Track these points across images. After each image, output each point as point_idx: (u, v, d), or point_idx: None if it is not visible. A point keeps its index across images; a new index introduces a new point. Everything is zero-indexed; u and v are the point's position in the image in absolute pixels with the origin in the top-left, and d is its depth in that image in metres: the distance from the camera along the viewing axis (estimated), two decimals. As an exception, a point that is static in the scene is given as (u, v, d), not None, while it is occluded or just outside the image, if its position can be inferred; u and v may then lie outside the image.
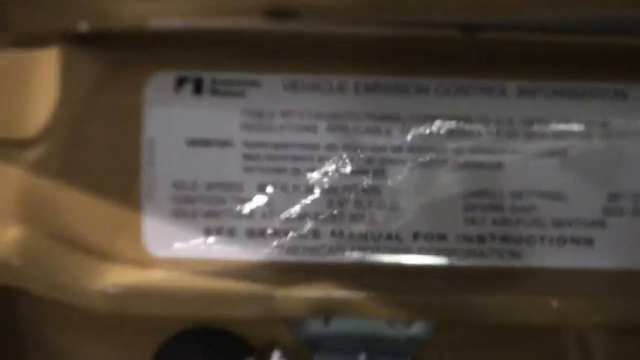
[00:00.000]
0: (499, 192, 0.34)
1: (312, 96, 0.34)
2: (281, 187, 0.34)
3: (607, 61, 0.33)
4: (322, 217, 0.34)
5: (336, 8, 0.31)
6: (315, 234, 0.34)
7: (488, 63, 0.34)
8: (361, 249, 0.34)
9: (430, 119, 0.34)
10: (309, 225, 0.34)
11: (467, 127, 0.34)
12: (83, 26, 0.32)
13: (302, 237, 0.34)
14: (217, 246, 0.34)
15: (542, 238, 0.34)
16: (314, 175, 0.34)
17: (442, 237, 0.34)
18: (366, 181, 0.34)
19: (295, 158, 0.34)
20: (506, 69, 0.34)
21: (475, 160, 0.34)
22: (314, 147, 0.34)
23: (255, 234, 0.34)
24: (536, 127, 0.34)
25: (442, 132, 0.34)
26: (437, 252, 0.34)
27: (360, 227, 0.34)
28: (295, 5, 0.31)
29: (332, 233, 0.34)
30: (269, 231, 0.34)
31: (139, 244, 0.34)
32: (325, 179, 0.34)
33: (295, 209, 0.34)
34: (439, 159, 0.34)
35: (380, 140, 0.34)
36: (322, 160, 0.34)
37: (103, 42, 0.33)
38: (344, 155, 0.34)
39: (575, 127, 0.34)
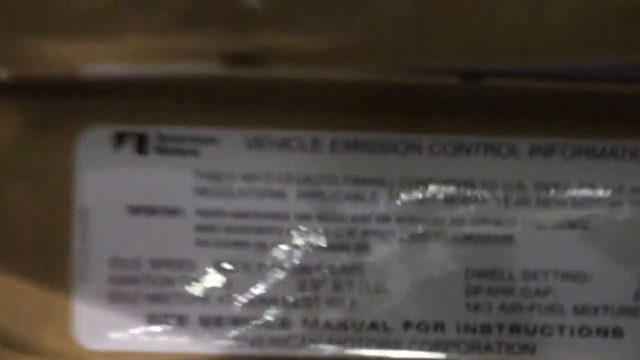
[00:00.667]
0: (507, 271, 0.29)
1: (281, 155, 0.30)
2: (242, 265, 0.29)
3: (637, 114, 0.30)
4: (291, 301, 0.30)
5: (312, 52, 0.27)
6: (283, 322, 0.30)
7: (494, 116, 0.30)
8: (340, 341, 0.30)
9: (423, 183, 0.29)
10: (275, 311, 0.30)
11: (469, 192, 0.29)
12: (2, 73, 0.29)
13: (268, 326, 0.30)
14: (163, 337, 0.30)
15: (561, 328, 0.29)
16: (282, 251, 0.30)
17: (438, 326, 0.30)
18: (346, 258, 0.29)
19: (260, 230, 0.29)
20: (516, 124, 0.29)
21: (478, 233, 0.29)
22: (282, 216, 0.30)
23: (211, 322, 0.29)
24: (552, 193, 0.29)
25: (438, 198, 0.29)
26: (432, 346, 0.30)
27: (338, 314, 0.30)
28: (262, 51, 0.28)
29: (305, 322, 0.29)
30: (227, 319, 0.30)
31: (69, 335, 0.30)
32: (296, 256, 0.30)
33: (260, 292, 0.30)
34: (434, 230, 0.29)
35: (363, 209, 0.29)
36: (291, 232, 0.30)
37: (27, 92, 0.29)
38: (319, 227, 0.30)
39: (600, 192, 0.30)
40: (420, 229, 0.29)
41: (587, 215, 0.29)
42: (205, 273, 0.29)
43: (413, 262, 0.29)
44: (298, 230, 0.29)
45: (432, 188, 0.29)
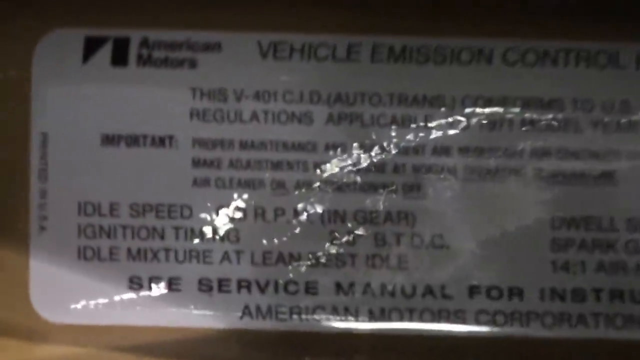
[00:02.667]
0: (607, 219, 0.23)
1: (305, 67, 0.23)
2: (254, 212, 0.24)
3: None
4: (320, 259, 0.24)
5: None
6: (309, 287, 0.23)
7: (587, 16, 0.23)
8: (383, 311, 0.24)
9: (494, 102, 0.22)
10: (298, 273, 0.24)
11: (556, 115, 0.23)
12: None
13: (288, 292, 0.24)
14: (149, 307, 0.24)
15: None
16: (307, 193, 0.24)
17: (515, 293, 0.23)
18: (391, 203, 0.24)
19: (277, 165, 0.23)
20: (619, 27, 0.23)
21: (568, 169, 0.23)
22: (306, 147, 0.23)
23: (211, 288, 0.23)
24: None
25: (514, 122, 0.23)
26: (507, 318, 0.24)
27: (381, 277, 0.24)
28: None
29: (337, 287, 0.23)
30: (234, 282, 0.24)
31: (25, 303, 0.24)
32: (326, 199, 0.24)
33: (277, 247, 0.24)
34: (510, 166, 0.23)
35: (414, 137, 0.23)
36: (319, 168, 0.24)
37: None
38: (355, 161, 0.24)
39: None
40: (490, 163, 0.23)
41: None
42: (205, 222, 0.23)
43: (481, 208, 0.23)
44: (328, 165, 0.23)
45: (505, 109, 0.23)
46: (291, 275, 0.23)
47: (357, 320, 0.23)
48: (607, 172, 0.23)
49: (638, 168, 0.23)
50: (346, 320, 0.23)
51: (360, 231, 0.23)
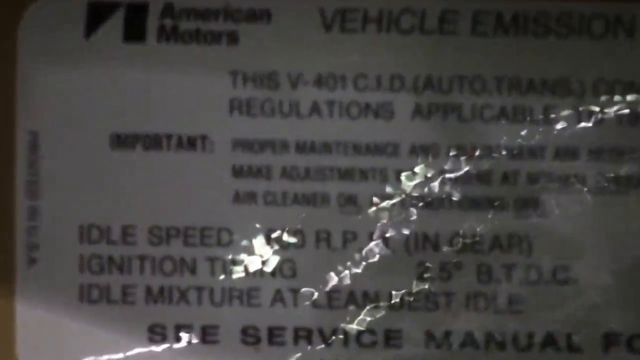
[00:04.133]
0: None
1: (380, 40, 0.19)
2: (315, 237, 0.19)
3: None
4: (404, 299, 0.19)
5: None
6: (389, 335, 0.18)
7: None
8: None
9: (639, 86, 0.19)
10: (374, 317, 0.18)
11: None
12: None
13: (361, 344, 0.19)
14: (177, 365, 0.19)
15: None
16: (386, 210, 0.19)
17: None
18: (500, 222, 0.19)
19: (347, 173, 0.18)
20: None
21: None
22: (385, 147, 0.18)
23: (258, 337, 0.19)
24: None
25: None
26: None
27: (486, 321, 0.19)
28: None
29: (428, 335, 0.17)
30: (289, 330, 0.19)
31: (13, 356, 0.19)
32: (411, 219, 0.19)
33: (345, 283, 0.19)
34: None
35: (528, 134, 0.18)
36: (402, 176, 0.19)
37: None
38: (451, 166, 0.19)
39: None
40: (632, 169, 0.18)
41: None
42: (250, 251, 0.18)
43: (618, 229, 0.18)
44: (414, 173, 0.18)
45: None
46: (366, 321, 0.18)
47: (454, 381, 0.18)
48: None
49: None
50: (440, 381, 0.18)
51: (457, 262, 0.18)
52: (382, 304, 0.18)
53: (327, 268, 0.18)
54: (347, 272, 0.18)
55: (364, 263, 0.18)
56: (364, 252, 0.18)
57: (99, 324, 0.18)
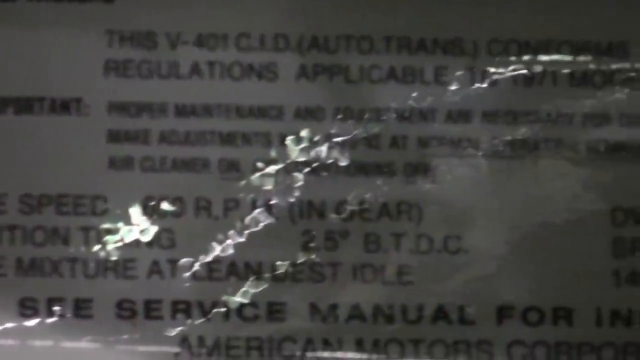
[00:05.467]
0: None
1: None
2: (195, 205, 0.18)
3: None
4: (290, 272, 0.18)
5: None
6: (272, 310, 0.17)
7: None
8: (377, 342, 0.17)
9: (535, 46, 0.17)
10: (256, 290, 0.17)
11: (618, 64, 0.17)
12: None
13: (243, 318, 0.17)
14: (45, 339, 0.17)
15: None
16: (271, 175, 0.18)
17: (563, 316, 0.17)
18: (389, 189, 0.17)
19: (228, 137, 0.17)
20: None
21: (637, 141, 0.18)
22: (269, 111, 0.18)
23: (135, 311, 0.17)
24: None
25: (558, 74, 0.18)
26: (552, 352, 0.17)
27: (374, 294, 0.18)
28: None
29: (313, 309, 0.17)
30: (165, 304, 0.18)
31: None
32: (296, 185, 0.19)
33: (227, 253, 0.18)
34: (553, 136, 0.17)
35: (418, 96, 0.18)
36: (287, 140, 0.18)
37: None
38: (338, 131, 0.18)
39: None
40: (527, 133, 0.18)
41: None
42: (126, 220, 0.17)
43: (513, 197, 0.18)
44: (299, 137, 0.18)
45: (548, 57, 0.18)
46: (248, 293, 0.18)
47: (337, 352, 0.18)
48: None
49: None
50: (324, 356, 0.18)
51: (343, 231, 0.18)
52: (265, 275, 0.17)
53: (207, 238, 0.17)
54: (228, 242, 0.17)
55: (246, 232, 0.17)
56: (246, 220, 0.17)
57: (-36, 297, 0.17)
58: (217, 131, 0.17)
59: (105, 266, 0.17)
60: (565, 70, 0.17)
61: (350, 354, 0.17)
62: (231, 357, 0.17)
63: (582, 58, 0.17)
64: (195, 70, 0.17)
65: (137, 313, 0.17)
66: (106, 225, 0.17)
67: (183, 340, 0.17)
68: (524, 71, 0.17)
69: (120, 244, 0.17)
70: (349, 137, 0.17)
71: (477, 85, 0.17)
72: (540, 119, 0.17)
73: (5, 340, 0.17)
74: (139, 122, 0.17)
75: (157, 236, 0.17)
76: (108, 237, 0.17)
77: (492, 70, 0.17)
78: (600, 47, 0.17)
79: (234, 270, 0.17)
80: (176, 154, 0.17)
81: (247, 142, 0.17)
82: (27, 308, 0.17)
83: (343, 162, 0.17)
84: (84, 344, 0.17)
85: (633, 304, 0.17)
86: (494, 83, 0.17)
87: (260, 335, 0.17)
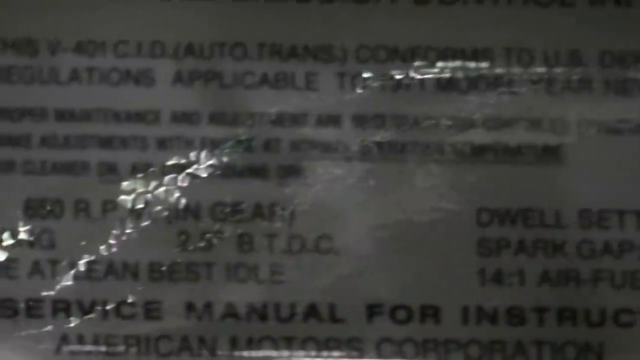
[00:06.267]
0: (552, 212, 0.18)
1: (140, 6, 0.18)
2: (74, 206, 0.18)
3: None
4: (166, 271, 0.19)
5: None
6: (149, 310, 0.17)
7: None
8: (251, 340, 0.18)
9: (403, 52, 0.17)
10: (129, 291, 0.18)
11: (481, 70, 0.18)
12: None
13: (122, 315, 0.18)
14: None
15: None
16: (145, 179, 0.19)
17: (429, 314, 0.18)
18: (260, 190, 0.18)
19: (106, 141, 0.18)
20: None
21: (499, 143, 0.18)
22: (145, 115, 0.18)
23: (19, 310, 0.18)
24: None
25: (426, 80, 0.18)
26: (420, 349, 0.18)
27: (248, 293, 0.18)
28: None
29: (190, 306, 0.18)
30: (50, 302, 0.19)
31: None
32: (173, 185, 0.19)
33: (105, 255, 0.19)
34: (420, 139, 0.17)
35: (292, 102, 0.19)
36: (163, 142, 0.18)
37: None
38: (211, 133, 0.18)
39: None
40: (394, 136, 0.18)
41: None
42: (6, 220, 0.17)
43: (381, 198, 0.18)
44: (175, 141, 0.18)
45: (415, 63, 0.19)
46: (126, 292, 0.18)
47: (214, 353, 0.18)
48: (550, 147, 0.18)
49: (592, 141, 0.18)
50: (200, 353, 0.18)
51: (218, 231, 0.18)
52: (142, 274, 0.18)
53: (86, 239, 0.18)
54: (106, 242, 0.18)
55: (124, 233, 0.18)
56: (124, 222, 0.18)
57: None
58: (95, 135, 0.18)
59: (-15, 266, 0.18)
60: (432, 76, 0.18)
61: (224, 352, 0.18)
62: (110, 355, 0.18)
63: (447, 64, 0.18)
64: (75, 76, 0.18)
65: (18, 312, 0.18)
66: (-13, 227, 0.18)
67: (63, 338, 0.18)
68: (393, 76, 0.18)
69: (1, 245, 0.18)
70: (223, 140, 0.18)
71: (346, 90, 0.18)
72: (408, 123, 0.18)
73: None
74: (20, 126, 0.18)
75: (38, 237, 0.18)
76: (-12, 238, 0.18)
77: (361, 75, 0.18)
78: (466, 54, 0.18)
79: (112, 270, 0.18)
80: (56, 158, 0.18)
81: (124, 145, 0.18)
82: None
83: (218, 165, 0.18)
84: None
85: (498, 302, 0.18)
86: (363, 88, 0.18)
87: (138, 333, 0.18)
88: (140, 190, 0.18)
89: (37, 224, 0.18)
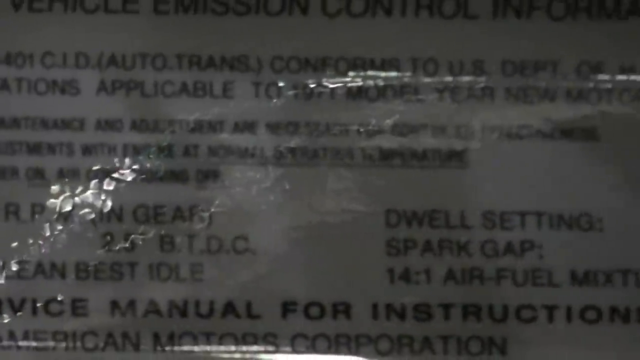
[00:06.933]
0: (457, 213, 0.18)
1: (66, 19, 0.19)
2: (4, 209, 0.18)
3: None
4: (91, 270, 0.19)
5: None
6: (76, 307, 0.19)
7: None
8: (172, 335, 0.19)
9: (314, 62, 0.18)
10: (64, 290, 0.20)
11: (388, 79, 0.19)
12: None
13: (50, 312, 0.19)
14: None
15: (551, 310, 0.19)
16: (71, 182, 0.19)
17: (341, 310, 0.18)
18: (180, 193, 0.19)
19: (34, 147, 0.19)
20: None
21: (406, 149, 0.19)
22: (71, 122, 0.19)
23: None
24: (534, 75, 0.19)
25: (336, 89, 0.19)
26: (332, 343, 0.19)
27: (169, 291, 0.19)
28: None
29: (114, 304, 0.19)
30: None
31: None
32: (98, 188, 0.20)
33: (33, 255, 0.19)
34: (331, 145, 0.18)
35: (209, 108, 0.20)
36: (88, 148, 0.19)
37: None
38: (133, 139, 0.19)
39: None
40: (307, 142, 0.19)
41: (597, 114, 0.20)
42: None
43: (295, 200, 0.19)
44: (99, 147, 0.19)
45: (326, 73, 0.19)
46: (54, 291, 0.19)
47: (138, 348, 0.19)
48: (455, 152, 0.19)
49: (494, 146, 0.19)
50: (124, 348, 0.19)
51: (141, 233, 0.19)
52: (69, 274, 0.19)
53: (16, 240, 0.19)
54: (36, 243, 0.19)
55: (52, 235, 0.19)
56: (52, 224, 0.19)
57: None
58: (24, 142, 0.19)
59: None
60: (342, 85, 0.19)
61: (147, 353, 0.19)
62: (39, 350, 0.19)
63: (357, 74, 0.19)
64: (4, 85, 0.19)
65: (-48, 310, 0.19)
66: None
67: (-5, 334, 0.19)
68: (305, 86, 0.19)
69: (-64, 246, 0.19)
70: (145, 146, 0.19)
71: (261, 98, 0.19)
72: (320, 129, 0.19)
73: None
74: (-47, 135, 0.19)
75: (-31, 238, 0.19)
76: None
77: (276, 85, 0.19)
78: (374, 64, 0.19)
79: (41, 269, 0.19)
80: (-13, 163, 0.19)
81: (52, 151, 0.19)
82: None
83: (140, 169, 0.19)
84: None
85: (406, 299, 0.19)
86: (277, 96, 0.19)
87: (65, 330, 0.19)
88: (67, 194, 0.19)
89: (-31, 227, 0.19)
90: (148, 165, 0.19)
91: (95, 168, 0.19)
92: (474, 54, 0.19)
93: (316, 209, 0.19)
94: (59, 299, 0.19)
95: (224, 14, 0.19)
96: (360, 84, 0.19)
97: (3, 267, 0.19)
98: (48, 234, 0.19)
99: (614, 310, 0.19)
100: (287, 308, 0.19)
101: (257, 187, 0.19)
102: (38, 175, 0.19)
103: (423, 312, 0.19)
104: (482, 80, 0.19)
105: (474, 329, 0.19)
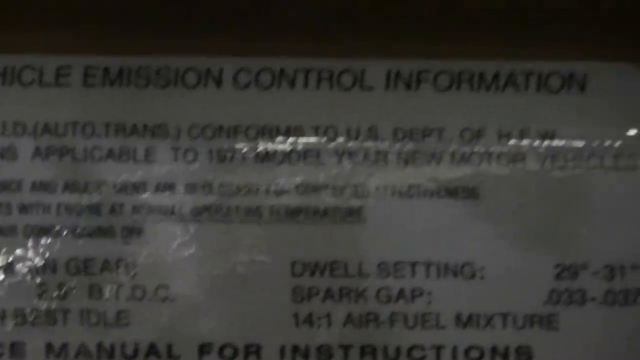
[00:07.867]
0: (355, 264, 0.21)
1: (4, 92, 0.21)
2: None
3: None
4: (28, 317, 0.21)
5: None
6: (15, 348, 0.21)
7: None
8: None
9: (227, 129, 0.21)
10: (4, 335, 0.22)
11: (293, 144, 0.21)
12: None
13: None
14: None
15: (438, 350, 0.21)
16: (9, 238, 0.21)
17: (253, 351, 0.21)
18: (106, 248, 0.21)
19: None
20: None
21: (309, 206, 0.21)
22: (9, 184, 0.21)
23: None
24: (425, 141, 0.21)
25: (246, 153, 0.21)
26: None
27: (97, 335, 0.21)
28: None
29: (49, 347, 0.21)
30: None
31: None
32: (31, 246, 0.21)
33: None
34: (243, 204, 0.21)
35: (133, 167, 0.22)
36: (25, 208, 0.21)
37: None
38: (67, 200, 0.21)
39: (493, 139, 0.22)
40: (221, 201, 0.21)
41: (478, 175, 0.22)
42: None
43: (211, 253, 0.21)
44: (34, 207, 0.21)
45: (237, 139, 0.21)
46: (-6, 335, 0.22)
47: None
48: (353, 209, 0.21)
49: (387, 204, 0.22)
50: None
51: (73, 283, 0.21)
52: (8, 320, 0.21)
53: (-39, 290, 0.22)
54: (-22, 293, 0.21)
55: (-7, 285, 0.22)
56: (-7, 275, 0.22)
57: None
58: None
59: None
60: (252, 150, 0.21)
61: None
62: (-21, 392, 0.21)
63: (265, 139, 0.21)
64: (-52, 152, 0.22)
65: None
66: None
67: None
68: (219, 150, 0.21)
69: None
70: (76, 205, 0.21)
71: (180, 162, 0.21)
72: (232, 189, 0.21)
73: None
74: None
75: None
76: None
77: (193, 149, 0.21)
78: (280, 130, 0.21)
79: (-18, 316, 0.22)
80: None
81: (-7, 211, 0.22)
82: None
83: (72, 226, 0.21)
84: None
85: (310, 341, 0.21)
86: (194, 160, 0.21)
87: (4, 371, 0.22)
88: (6, 248, 0.21)
89: None
90: (79, 222, 0.21)
91: (31, 225, 0.21)
92: (369, 122, 0.21)
93: (229, 261, 0.21)
94: (-1, 342, 0.21)
95: (146, 86, 0.21)
96: (268, 149, 0.21)
97: (-51, 314, 0.21)
98: (-11, 284, 0.21)
99: (494, 350, 0.21)
100: (203, 350, 0.21)
101: (176, 242, 0.21)
102: (-24, 233, 0.21)
103: (325, 352, 0.21)
104: (376, 145, 0.21)
105: (371, 368, 0.21)
